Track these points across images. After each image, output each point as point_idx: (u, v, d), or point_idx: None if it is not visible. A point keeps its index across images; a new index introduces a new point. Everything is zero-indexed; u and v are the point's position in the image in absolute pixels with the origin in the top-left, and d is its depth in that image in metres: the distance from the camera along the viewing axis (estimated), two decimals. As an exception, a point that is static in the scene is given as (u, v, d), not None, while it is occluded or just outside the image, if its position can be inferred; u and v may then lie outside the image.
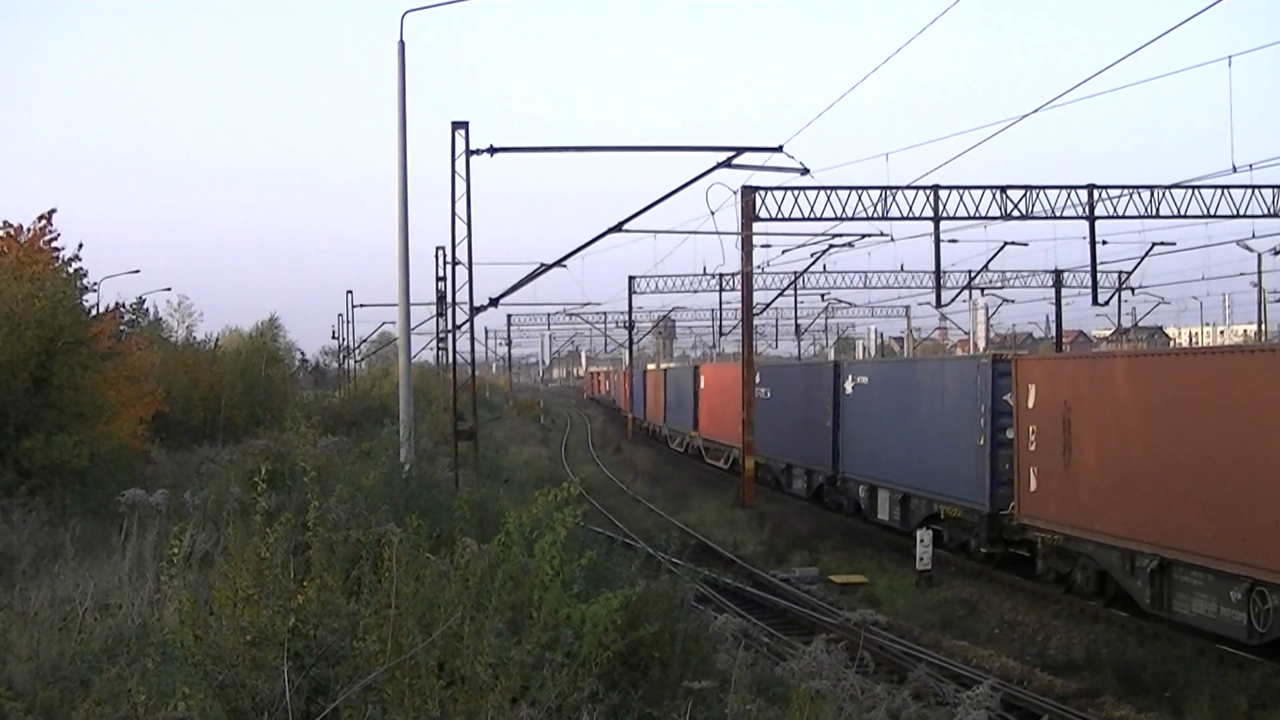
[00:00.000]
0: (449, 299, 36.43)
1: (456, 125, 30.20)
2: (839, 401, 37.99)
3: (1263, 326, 70.55)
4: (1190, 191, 42.71)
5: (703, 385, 59.25)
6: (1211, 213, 42.99)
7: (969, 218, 42.42)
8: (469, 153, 30.18)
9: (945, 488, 30.20)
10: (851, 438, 37.28)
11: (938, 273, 45.43)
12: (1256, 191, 42.51)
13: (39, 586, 13.63)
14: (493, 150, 30.70)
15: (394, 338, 73.70)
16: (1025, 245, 55.64)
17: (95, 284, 43.18)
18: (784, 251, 52.92)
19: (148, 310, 64.19)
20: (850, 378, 37.52)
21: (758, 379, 45.10)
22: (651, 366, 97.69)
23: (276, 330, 66.18)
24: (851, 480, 37.29)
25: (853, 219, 42.30)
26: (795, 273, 63.88)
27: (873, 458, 35.50)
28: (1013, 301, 77.95)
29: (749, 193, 40.31)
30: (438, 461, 34.26)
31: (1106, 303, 61.52)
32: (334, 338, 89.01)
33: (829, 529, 34.98)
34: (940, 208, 41.78)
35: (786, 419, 43.99)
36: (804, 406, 41.77)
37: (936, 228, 42.55)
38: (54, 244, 28.85)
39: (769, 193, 40.78)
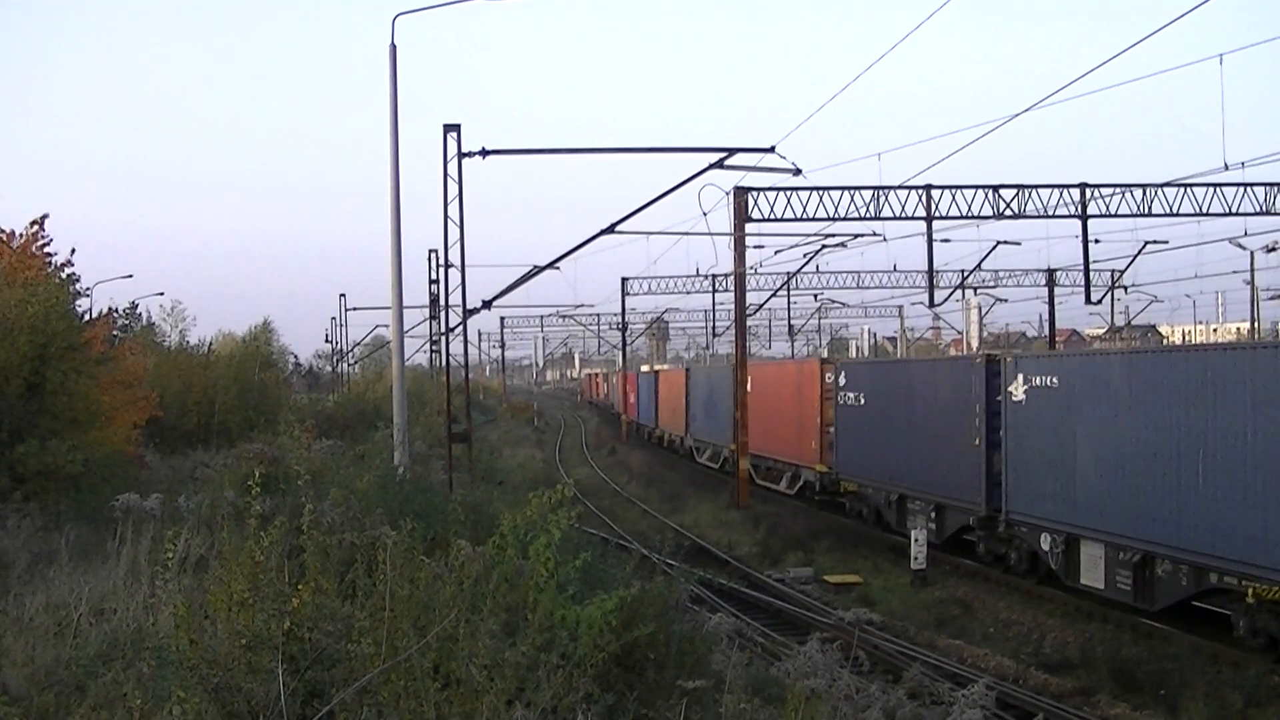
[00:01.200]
0: (442, 302, 36.42)
1: (449, 128, 30.19)
2: (1000, 411, 27.24)
3: (1256, 324, 70.70)
4: (1182, 190, 42.80)
5: (748, 389, 47.62)
6: (1204, 211, 43.10)
7: (961, 217, 42.50)
8: (461, 155, 30.16)
9: (1267, 555, 19.18)
10: (1025, 464, 26.35)
11: (931, 272, 45.48)
12: (1248, 189, 42.63)
13: (34, 592, 13.62)
14: (485, 153, 30.68)
15: (387, 341, 73.71)
16: (1018, 244, 55.67)
17: (88, 289, 43.30)
18: (777, 252, 52.96)
19: (141, 315, 64.12)
20: (1021, 378, 26.71)
21: (842, 380, 36.87)
22: (646, 367, 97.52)
23: (270, 334, 66.34)
24: (1025, 524, 26.32)
25: (845, 219, 42.36)
26: (788, 273, 63.94)
27: (1072, 494, 24.57)
28: (1006, 301, 78.17)
29: (741, 194, 40.34)
30: (432, 464, 34.28)
31: (1099, 301, 61.60)
32: (327, 341, 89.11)
33: (824, 530, 34.98)
34: (933, 207, 41.84)
35: (895, 433, 32.99)
36: (930, 417, 31.06)
37: (929, 227, 42.64)
38: (46, 249, 28.78)
39: (761, 193, 40.83)
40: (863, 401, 35.64)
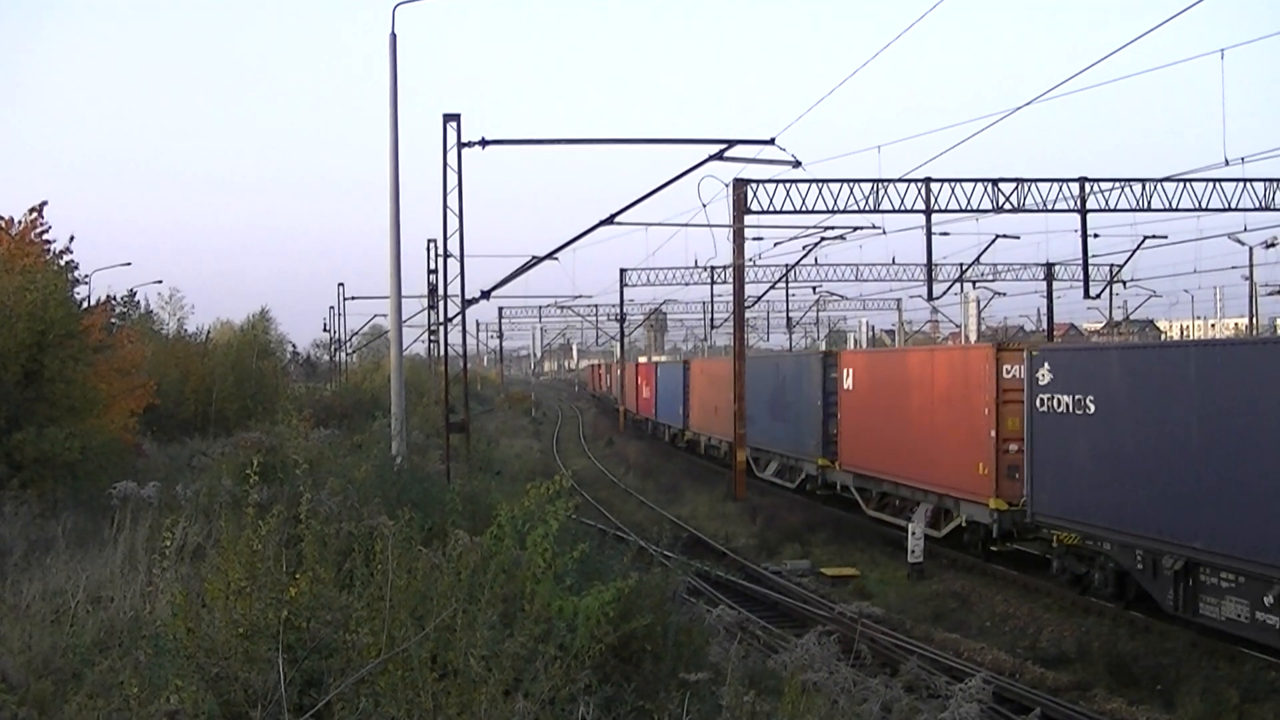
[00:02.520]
0: (440, 291, 36.41)
1: (448, 118, 30.12)
2: None
3: (1254, 320, 70.74)
4: (1182, 185, 42.82)
5: (848, 386, 36.76)
6: (1203, 206, 43.12)
7: (961, 210, 42.48)
8: (461, 145, 30.09)
9: None
10: None
11: (929, 265, 45.47)
12: (1248, 185, 42.65)
13: (31, 579, 13.62)
14: (484, 143, 30.61)
15: (385, 330, 73.70)
16: (1017, 238, 55.71)
17: (86, 277, 43.32)
18: (775, 244, 52.88)
19: (139, 303, 64.00)
20: None
21: (1045, 375, 24.68)
22: (645, 358, 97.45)
23: (268, 323, 66.40)
24: None
25: (844, 212, 42.32)
26: (787, 265, 63.98)
27: None
28: (1004, 294, 78.20)
29: (741, 185, 40.33)
30: (429, 454, 34.22)
31: (1098, 296, 61.65)
32: (325, 330, 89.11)
33: (820, 522, 34.95)
34: (932, 200, 41.82)
35: (1171, 459, 20.92)
36: (1266, 435, 18.59)
37: (928, 220, 42.59)
38: (45, 236, 28.80)
39: (761, 185, 40.80)
40: (1091, 408, 23.23)
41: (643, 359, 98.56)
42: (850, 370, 36.88)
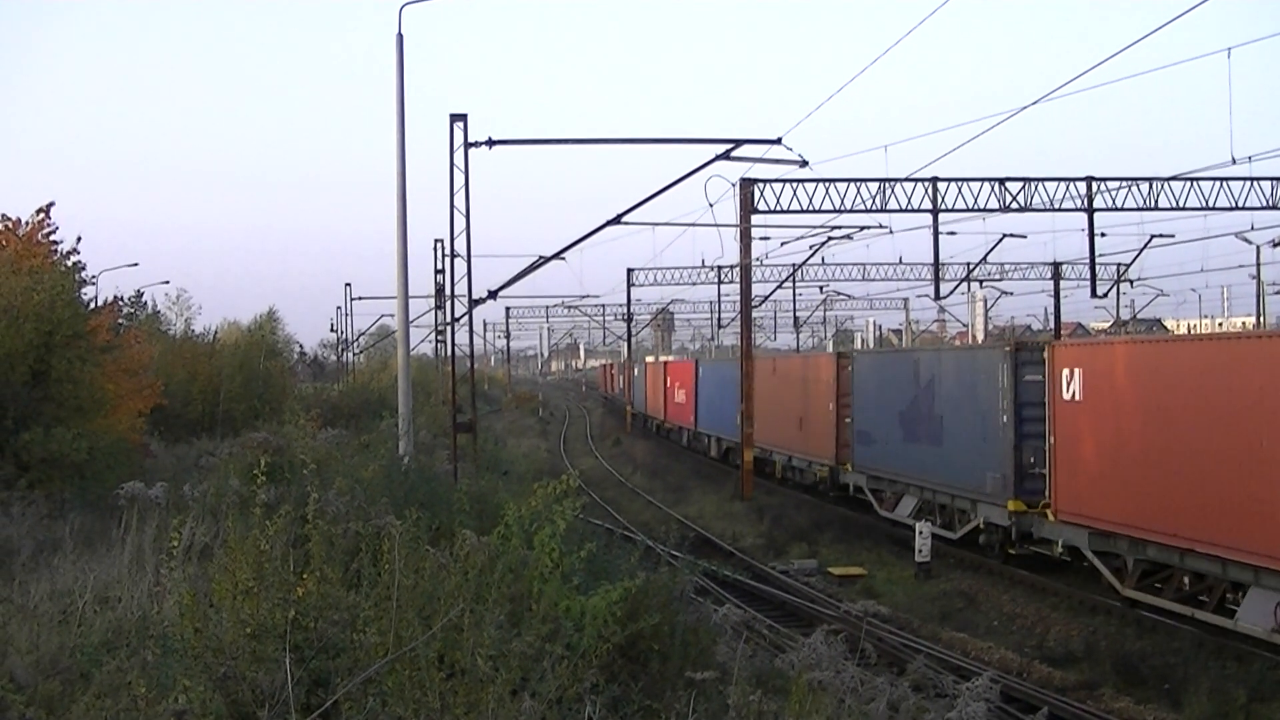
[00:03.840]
0: (448, 291, 36.43)
1: (455, 118, 30.15)
2: None
3: (1261, 319, 70.57)
4: (1189, 184, 42.73)
5: (1072, 394, 24.26)
6: (1210, 205, 43.04)
7: (968, 210, 42.42)
8: (468, 145, 30.12)
9: None
10: None
11: (936, 265, 45.39)
12: (1255, 183, 42.56)
13: (38, 580, 13.62)
14: (491, 143, 30.63)
15: (392, 330, 73.74)
16: (1024, 238, 55.75)
17: (94, 277, 43.21)
18: (782, 244, 52.79)
19: (146, 303, 63.91)
20: None
21: None
22: (652, 358, 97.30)
23: (275, 323, 66.20)
24: None
25: (851, 211, 42.28)
26: (794, 265, 63.95)
27: None
28: (1011, 294, 78.25)
29: (748, 185, 40.30)
30: (437, 454, 34.25)
31: (1105, 295, 61.53)
32: (333, 330, 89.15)
33: (828, 522, 34.92)
34: (939, 200, 41.76)
35: None
36: None
37: (935, 220, 42.53)
38: (52, 237, 28.83)
39: (768, 185, 40.76)
40: None
41: (649, 358, 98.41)
42: (1078, 371, 23.98)
